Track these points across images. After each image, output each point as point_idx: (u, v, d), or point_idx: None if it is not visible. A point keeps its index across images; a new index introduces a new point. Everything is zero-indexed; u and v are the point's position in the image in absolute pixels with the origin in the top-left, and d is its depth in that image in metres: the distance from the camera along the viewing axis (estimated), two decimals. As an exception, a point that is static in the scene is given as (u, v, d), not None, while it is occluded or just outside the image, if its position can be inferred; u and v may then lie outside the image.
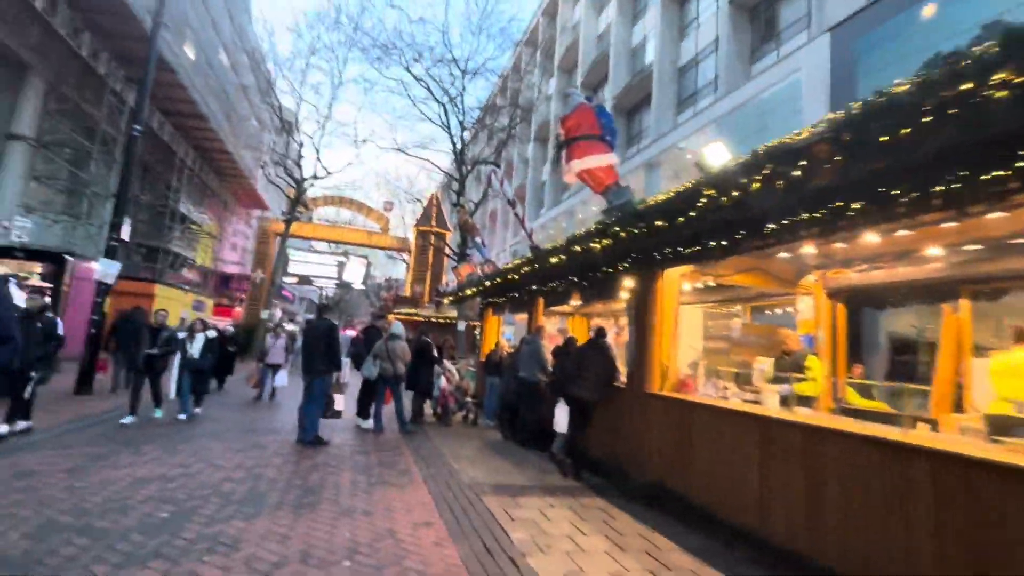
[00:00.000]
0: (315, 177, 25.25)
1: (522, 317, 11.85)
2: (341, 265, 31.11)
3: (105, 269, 8.78)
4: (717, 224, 3.72)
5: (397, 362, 7.21)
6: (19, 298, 7.84)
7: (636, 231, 4.41)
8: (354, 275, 31.62)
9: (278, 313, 31.54)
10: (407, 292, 29.43)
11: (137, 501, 3.75)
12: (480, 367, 9.59)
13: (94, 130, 15.28)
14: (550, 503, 4.41)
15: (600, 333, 5.79)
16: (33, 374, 5.26)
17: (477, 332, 25.39)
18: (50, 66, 14.09)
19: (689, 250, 4.37)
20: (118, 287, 17.97)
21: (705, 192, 3.34)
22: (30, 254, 7.82)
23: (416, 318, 22.04)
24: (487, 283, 9.44)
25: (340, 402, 7.31)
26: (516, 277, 8.37)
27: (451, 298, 11.92)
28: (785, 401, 4.27)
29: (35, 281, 7.68)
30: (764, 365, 5.10)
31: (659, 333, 5.09)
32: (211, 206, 27.35)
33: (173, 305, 20.00)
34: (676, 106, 19.84)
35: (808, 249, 4.44)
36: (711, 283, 6.00)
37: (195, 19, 20.48)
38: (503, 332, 9.83)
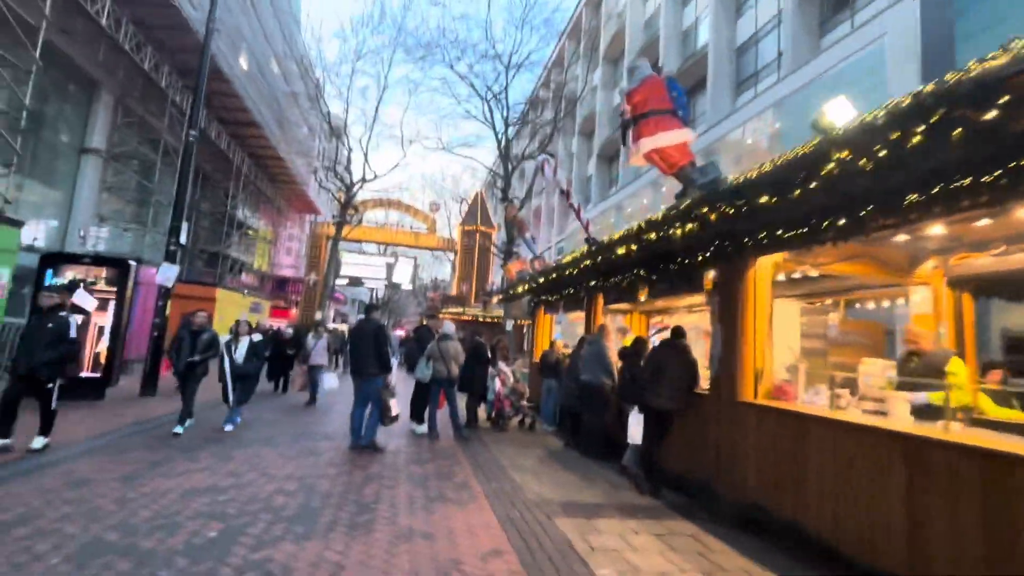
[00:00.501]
0: (363, 180, 25.62)
1: (576, 316, 11.28)
2: (390, 266, 31.55)
3: (165, 273, 8.93)
4: (841, 198, 3.04)
5: (451, 364, 6.83)
6: (88, 302, 8.09)
7: (731, 211, 3.76)
8: (403, 276, 31.99)
9: (331, 314, 32.36)
10: (454, 291, 29.44)
11: (186, 517, 3.49)
12: (534, 369, 9.09)
13: (158, 141, 15.95)
14: (632, 528, 3.84)
15: (678, 332, 5.15)
16: (51, 385, 4.82)
17: (525, 331, 25.00)
18: (117, 81, 14.78)
19: (792, 233, 3.68)
20: (182, 291, 18.78)
21: (835, 156, 2.68)
22: (95, 260, 7.99)
23: (463, 317, 21.88)
24: (539, 280, 8.93)
25: (395, 406, 7.09)
26: (573, 272, 7.82)
27: (500, 297, 11.50)
28: (921, 413, 3.51)
29: (101, 286, 7.80)
30: (882, 369, 4.31)
31: (751, 331, 4.41)
32: (266, 212, 28.33)
33: (232, 308, 20.76)
34: (734, 88, 18.59)
35: (935, 229, 3.66)
36: (809, 273, 5.22)
37: (248, 31, 21.09)
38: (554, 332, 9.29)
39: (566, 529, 3.70)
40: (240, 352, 6.56)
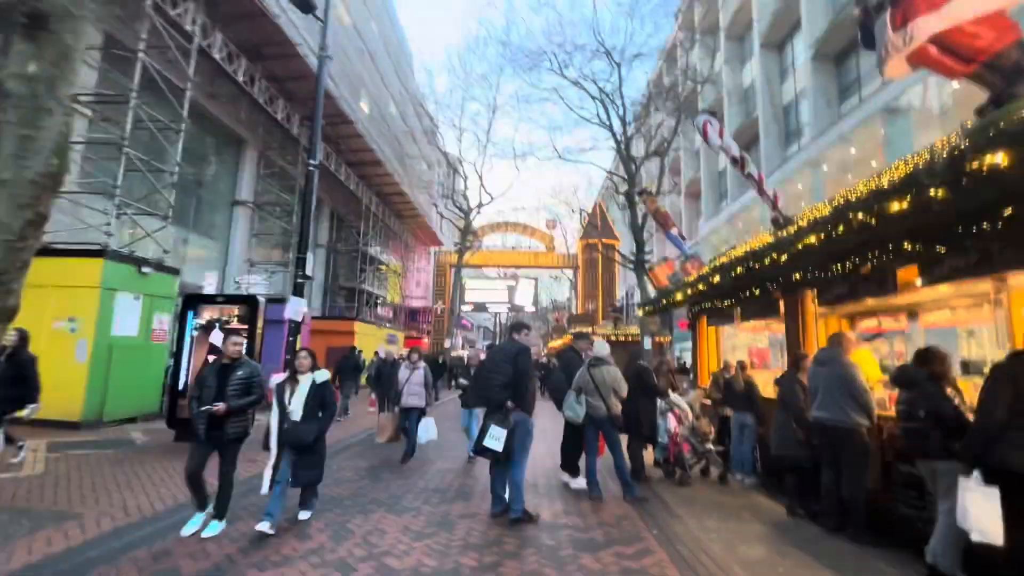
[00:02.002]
0: (480, 204, 25.50)
1: (753, 325, 8.89)
2: (511, 289, 30.99)
3: (293, 307, 8.61)
4: None
5: (609, 397, 5.13)
6: (218, 339, 8.00)
7: None
8: (524, 298, 31.19)
9: (459, 341, 32.69)
10: (579, 310, 27.77)
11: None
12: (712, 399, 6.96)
13: (294, 187, 16.97)
14: None
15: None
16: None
17: (665, 350, 22.26)
18: (258, 136, 16.03)
19: None
20: (324, 326, 19.73)
21: None
22: (228, 299, 7.82)
23: (593, 338, 20.04)
24: (703, 283, 6.88)
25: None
26: (755, 266, 5.71)
27: (648, 308, 9.56)
28: None
29: (235, 324, 7.55)
30: None
31: None
32: (395, 247, 29.64)
33: (370, 339, 21.41)
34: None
35: None
36: None
37: (367, 77, 22.25)
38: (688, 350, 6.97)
39: None
40: (298, 401, 4.00)
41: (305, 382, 4.08)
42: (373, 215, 23.61)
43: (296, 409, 3.99)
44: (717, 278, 6.28)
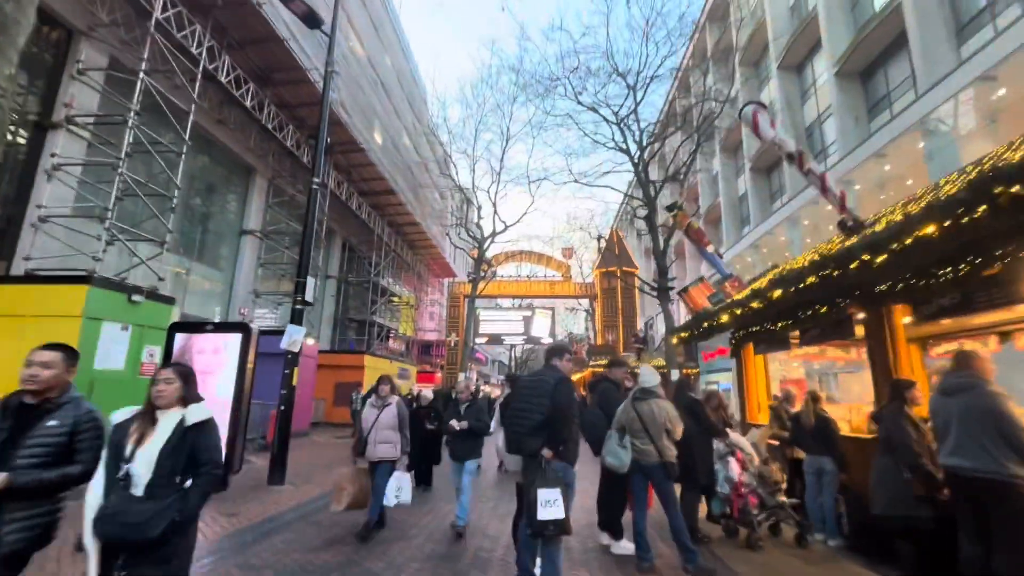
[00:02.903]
0: (494, 233, 24.89)
1: (805, 352, 7.80)
2: (527, 319, 30.00)
3: (290, 336, 7.79)
4: None
5: (661, 438, 4.12)
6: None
7: None
8: (540, 329, 30.13)
9: (474, 376, 31.59)
10: (599, 341, 26.61)
11: None
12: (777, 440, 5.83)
13: (304, 216, 16.51)
14: None
15: None
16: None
17: (694, 382, 20.89)
18: (267, 164, 15.70)
19: None
20: (332, 361, 18.87)
21: None
22: (217, 327, 7.03)
23: (640, 365, 18.84)
24: (759, 300, 5.88)
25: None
26: (835, 273, 4.74)
27: (685, 334, 8.53)
28: None
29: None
30: None
31: None
32: (407, 279, 29.07)
33: (379, 372, 20.57)
34: (954, 36, 14.04)
35: None
36: None
37: (381, 110, 22.22)
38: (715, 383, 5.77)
39: None
40: (145, 457, 2.18)
41: (166, 423, 2.25)
42: (386, 245, 23.13)
43: (138, 472, 2.15)
44: (778, 292, 5.29)
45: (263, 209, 15.80)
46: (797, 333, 6.53)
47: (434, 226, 28.61)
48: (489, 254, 26.68)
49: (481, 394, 11.58)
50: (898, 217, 3.87)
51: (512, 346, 37.52)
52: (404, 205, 22.19)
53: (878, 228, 4.16)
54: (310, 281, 8.33)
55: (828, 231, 19.41)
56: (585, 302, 38.36)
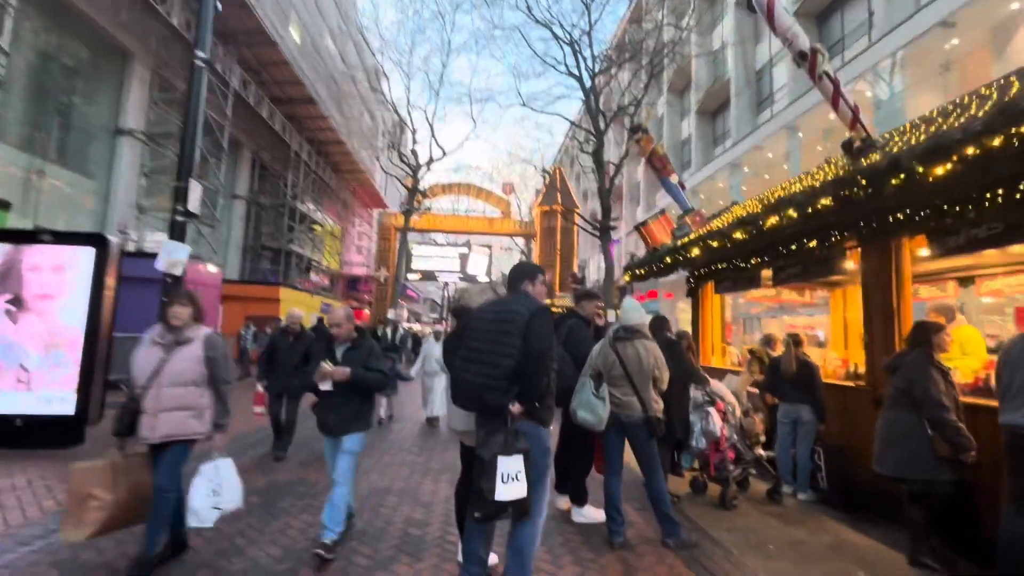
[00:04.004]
0: (431, 160, 22.90)
1: (761, 294, 7.37)
2: (464, 257, 28.69)
3: (169, 254, 6.11)
4: None
5: (648, 389, 3.28)
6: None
7: None
8: (477, 267, 29.01)
9: (404, 313, 30.20)
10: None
11: None
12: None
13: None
14: None
15: None
16: None
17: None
18: (149, 49, 12.68)
19: None
20: (242, 292, 16.76)
21: None
22: (60, 237, 5.24)
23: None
24: (743, 230, 5.12)
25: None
26: (813, 209, 4.01)
27: (641, 270, 7.82)
28: None
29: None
30: None
31: None
32: (331, 206, 26.43)
33: (300, 309, 18.73)
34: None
35: None
36: None
37: (300, 2, 18.86)
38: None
39: None
40: None
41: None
42: (304, 165, 20.47)
43: None
44: (773, 219, 4.50)
45: (145, 105, 12.90)
46: (770, 272, 5.96)
47: (362, 150, 25.84)
48: (424, 184, 24.66)
49: (400, 331, 10.12)
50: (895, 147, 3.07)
51: (445, 284, 36.36)
52: (327, 120, 19.51)
53: (894, 151, 3.39)
54: (195, 187, 6.54)
55: (765, 180, 19.48)
56: (521, 242, 37.56)
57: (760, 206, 5.13)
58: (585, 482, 3.80)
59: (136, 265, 8.35)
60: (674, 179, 8.19)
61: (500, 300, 2.62)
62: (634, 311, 3.45)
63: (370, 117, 28.65)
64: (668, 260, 6.95)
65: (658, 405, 3.31)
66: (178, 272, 6.16)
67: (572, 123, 19.76)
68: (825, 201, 3.88)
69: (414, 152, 22.81)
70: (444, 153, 21.50)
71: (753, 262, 5.96)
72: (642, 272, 7.89)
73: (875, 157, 3.91)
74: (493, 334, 2.37)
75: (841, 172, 3.99)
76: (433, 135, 21.34)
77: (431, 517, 3.75)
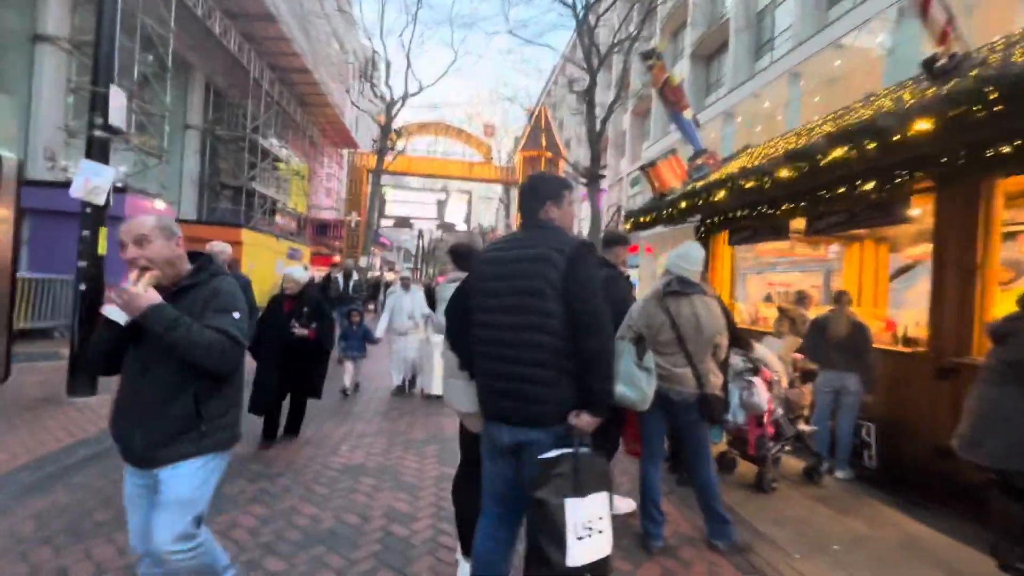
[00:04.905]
0: (406, 96, 21.04)
1: (771, 248, 6.72)
2: (441, 203, 27.25)
3: (87, 177, 4.96)
4: None
5: (706, 358, 2.56)
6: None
7: None
8: (456, 215, 27.67)
9: (376, 262, 28.92)
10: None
11: None
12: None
13: (139, 28, 11.81)
14: None
15: None
16: None
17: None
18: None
19: None
20: (199, 233, 15.30)
21: None
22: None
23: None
24: (790, 167, 4.32)
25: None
26: (926, 127, 3.22)
27: (646, 218, 7.02)
28: None
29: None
30: None
31: None
32: (297, 144, 24.35)
33: (265, 253, 17.25)
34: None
35: None
36: None
37: None
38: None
39: None
40: None
41: None
42: (266, 95, 18.44)
43: None
44: (839, 151, 3.70)
45: (68, 6, 10.93)
46: (803, 220, 5.24)
47: (331, 82, 23.58)
48: (399, 122, 22.84)
49: (354, 277, 9.06)
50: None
51: (420, 232, 34.91)
52: (289, 42, 17.39)
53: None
54: (116, 94, 5.30)
55: (758, 132, 18.58)
56: (499, 192, 36.07)
57: (802, 140, 4.30)
58: (611, 464, 3.12)
59: (65, 197, 7.06)
60: (689, 115, 7.26)
61: (514, 237, 1.77)
62: (693, 255, 2.65)
63: (339, 46, 26.08)
64: (683, 205, 6.13)
65: (716, 379, 2.59)
66: (99, 201, 5.05)
67: (564, 57, 18.22)
68: (924, 124, 3.07)
69: (388, 86, 20.88)
70: (421, 87, 19.74)
71: (783, 208, 5.22)
72: (647, 219, 7.08)
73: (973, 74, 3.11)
74: (514, 294, 1.57)
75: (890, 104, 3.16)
76: (409, 65, 19.44)
77: (418, 507, 3.03)
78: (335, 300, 8.08)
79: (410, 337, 6.14)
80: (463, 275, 2.31)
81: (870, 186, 4.12)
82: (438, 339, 5.55)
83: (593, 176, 16.77)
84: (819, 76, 15.56)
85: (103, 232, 5.13)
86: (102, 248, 5.13)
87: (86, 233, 5.04)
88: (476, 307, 1.73)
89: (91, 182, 4.99)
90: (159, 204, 11.48)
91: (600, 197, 18.13)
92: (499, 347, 1.62)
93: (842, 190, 4.39)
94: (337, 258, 26.29)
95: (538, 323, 1.54)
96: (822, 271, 11.71)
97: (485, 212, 44.84)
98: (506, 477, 1.70)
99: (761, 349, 3.58)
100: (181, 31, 13.10)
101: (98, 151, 5.16)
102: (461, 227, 27.70)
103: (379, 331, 6.24)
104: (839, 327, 3.85)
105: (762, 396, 3.33)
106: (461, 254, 2.42)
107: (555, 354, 1.54)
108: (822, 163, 3.89)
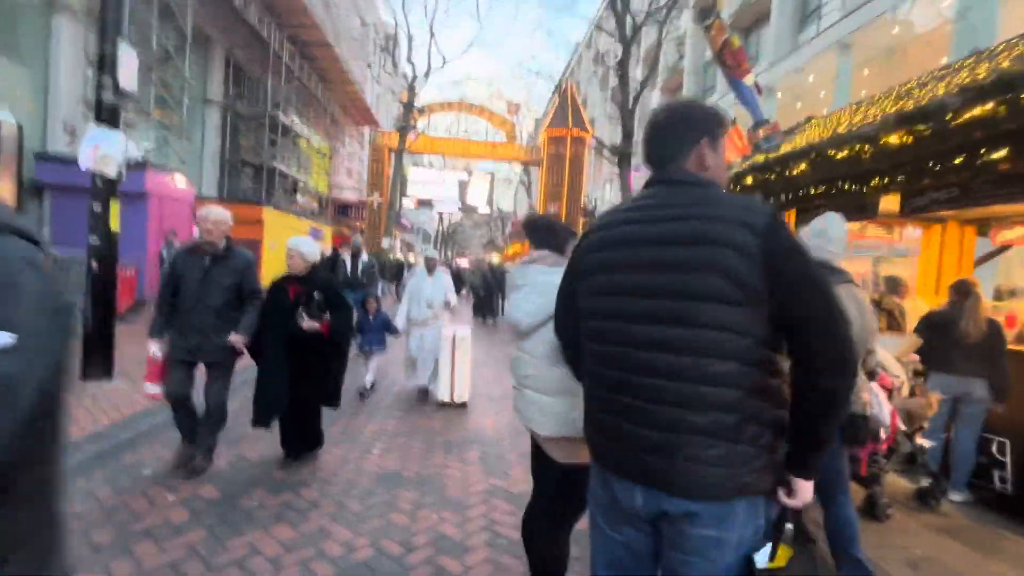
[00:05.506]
0: (429, 71, 20.37)
1: (850, 231, 5.99)
2: (463, 184, 26.66)
3: (96, 145, 4.53)
4: None
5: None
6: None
7: None
8: (478, 197, 27.04)
9: (397, 244, 28.59)
10: (540, 212, 24.42)
11: None
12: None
13: (156, -3, 11.35)
14: None
15: None
16: None
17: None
18: None
19: None
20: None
21: None
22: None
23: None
24: (894, 132, 3.64)
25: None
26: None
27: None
28: None
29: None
30: None
31: None
32: (319, 122, 23.93)
33: (286, 233, 17.02)
34: None
35: None
36: None
37: None
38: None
39: None
40: None
41: None
42: (287, 69, 17.98)
43: None
44: (981, 110, 3.03)
45: (85, -25, 10.51)
46: (898, 196, 4.54)
47: (352, 59, 23.00)
48: (422, 101, 22.22)
49: (363, 258, 8.02)
50: None
51: (440, 214, 34.44)
52: (309, 13, 16.84)
53: None
54: (128, 54, 4.84)
55: (797, 109, 17.40)
56: (519, 173, 35.20)
57: (857, 118, 3.60)
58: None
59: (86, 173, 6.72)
60: (749, 80, 6.51)
61: (650, 201, 1.16)
62: (828, 239, 2.06)
63: (361, 21, 25.40)
64: (749, 181, 5.46)
65: (861, 396, 2.02)
66: (110, 171, 4.61)
67: (598, 26, 17.27)
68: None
69: (411, 62, 20.21)
70: (444, 61, 19.03)
71: (873, 183, 4.53)
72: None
73: None
74: (670, 296, 1.04)
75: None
76: (433, 35, 18.70)
77: (468, 531, 2.54)
78: (341, 285, 7.42)
79: (428, 329, 5.23)
80: (545, 255, 1.76)
81: (1000, 154, 3.42)
82: (449, 332, 4.99)
83: (624, 154, 15.97)
84: (873, 48, 14.43)
85: (115, 206, 4.72)
86: (114, 224, 4.72)
87: (97, 207, 4.63)
88: (590, 310, 1.19)
89: (100, 149, 4.56)
90: (180, 181, 11.16)
91: (631, 176, 17.35)
92: (642, 376, 1.06)
93: (959, 159, 3.70)
94: (359, 238, 26.04)
95: (714, 343, 0.99)
96: (870, 257, 10.80)
97: (505, 192, 43.96)
98: (636, 551, 1.17)
99: (880, 352, 2.98)
100: (200, 2, 12.64)
101: (108, 117, 4.72)
102: (484, 209, 27.10)
103: (399, 320, 5.41)
104: (975, 326, 3.20)
105: (884, 408, 2.74)
106: (540, 227, 1.83)
107: (742, 391, 0.99)
108: (952, 124, 3.20)
